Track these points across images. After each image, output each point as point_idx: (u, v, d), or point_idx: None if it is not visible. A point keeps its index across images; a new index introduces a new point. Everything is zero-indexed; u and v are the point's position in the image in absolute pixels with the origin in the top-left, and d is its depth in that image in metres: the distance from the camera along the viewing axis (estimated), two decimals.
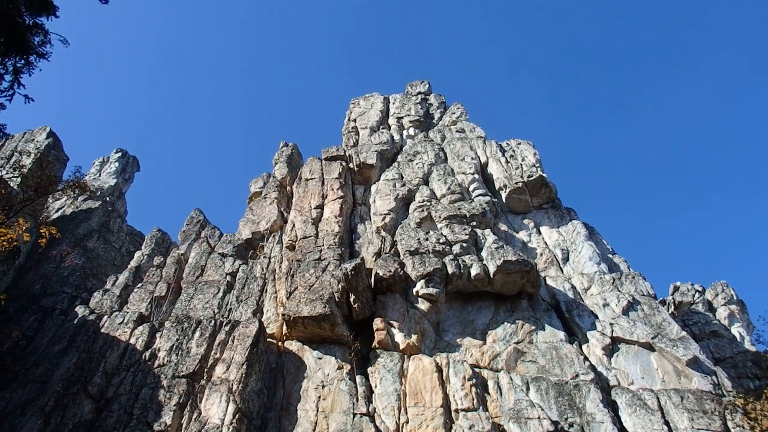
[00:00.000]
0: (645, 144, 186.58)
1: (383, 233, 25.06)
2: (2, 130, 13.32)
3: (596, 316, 21.01)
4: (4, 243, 21.80)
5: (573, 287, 22.69)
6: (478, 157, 29.61)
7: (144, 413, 18.81)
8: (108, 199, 45.19)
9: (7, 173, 33.89)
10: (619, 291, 21.92)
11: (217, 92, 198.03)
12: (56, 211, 40.43)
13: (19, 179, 32.56)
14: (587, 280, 22.93)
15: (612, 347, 19.62)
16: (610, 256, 24.90)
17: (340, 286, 20.74)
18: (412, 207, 26.31)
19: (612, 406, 17.29)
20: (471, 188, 27.21)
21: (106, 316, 24.94)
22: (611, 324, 20.23)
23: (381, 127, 34.46)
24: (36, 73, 13.92)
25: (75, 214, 38.84)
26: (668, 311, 23.41)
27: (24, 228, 24.78)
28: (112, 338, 22.94)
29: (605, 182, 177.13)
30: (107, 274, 32.94)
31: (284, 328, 21.21)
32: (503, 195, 27.19)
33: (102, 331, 23.70)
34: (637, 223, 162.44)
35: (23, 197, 24.54)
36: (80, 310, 26.24)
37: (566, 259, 24.42)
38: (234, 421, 17.27)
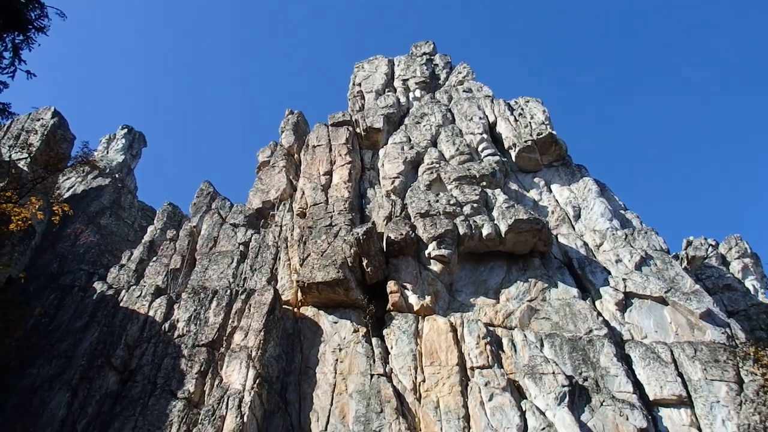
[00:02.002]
0: (654, 101, 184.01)
1: (393, 197, 25.07)
2: (7, 110, 13.33)
3: (609, 272, 21.01)
4: (19, 222, 22.01)
5: (585, 244, 22.67)
6: (486, 116, 29.36)
7: (167, 382, 19.22)
8: (117, 175, 45.41)
9: (16, 153, 34.08)
10: (632, 246, 21.88)
11: (219, 62, 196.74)
12: (67, 190, 40.75)
13: (28, 159, 32.73)
14: (599, 236, 22.88)
15: (625, 302, 19.66)
16: (622, 212, 24.77)
17: (352, 250, 20.86)
18: (421, 169, 26.24)
19: (626, 360, 17.40)
20: (480, 148, 27.06)
21: (123, 291, 25.27)
22: (624, 279, 20.25)
23: (386, 90, 34.17)
24: (36, 52, 13.85)
25: (86, 192, 39.14)
26: (681, 266, 23.40)
27: (37, 207, 24.99)
28: (132, 311, 23.29)
29: (617, 138, 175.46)
30: (122, 249, 33.28)
31: (299, 294, 21.44)
32: (513, 154, 27.02)
33: (121, 305, 24.04)
34: (649, 179, 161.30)
35: (34, 176, 24.66)
36: (98, 286, 26.58)
37: (578, 217, 24.35)
38: (255, 385, 17.62)
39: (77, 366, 21.15)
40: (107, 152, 49.70)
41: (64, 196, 38.82)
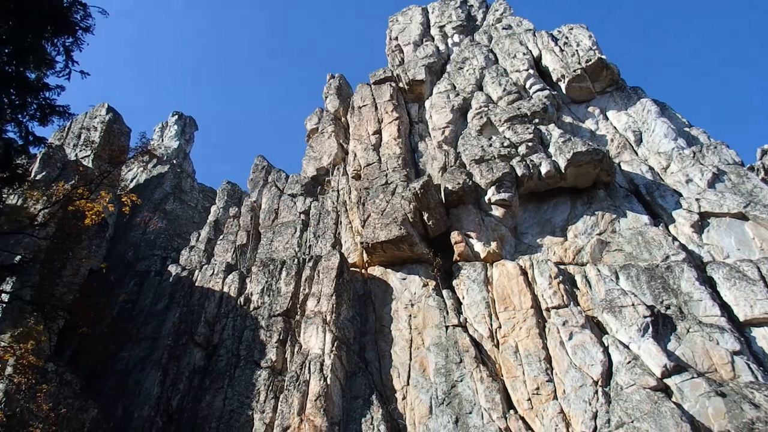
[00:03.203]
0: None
1: (445, 147, 24.67)
2: (67, 111, 13.82)
3: (680, 194, 20.13)
4: (93, 216, 22.99)
5: (651, 168, 21.75)
6: (530, 51, 28.26)
7: (250, 353, 19.92)
8: (175, 161, 46.57)
9: (81, 151, 35.47)
10: (702, 164, 20.85)
11: (256, 36, 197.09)
12: (131, 181, 42.22)
13: (91, 156, 34.02)
14: (665, 158, 21.88)
15: (701, 223, 18.81)
16: (687, 129, 23.53)
17: (411, 206, 20.75)
18: (469, 115, 25.66)
19: (709, 283, 16.71)
20: (527, 85, 26.15)
21: (197, 271, 26.16)
22: (697, 199, 19.36)
23: (424, 40, 33.34)
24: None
25: (148, 181, 40.39)
26: (758, 177, 22.19)
27: (107, 200, 26.12)
28: (207, 290, 24.13)
29: (671, 55, 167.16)
30: (189, 231, 34.37)
31: (364, 255, 21.57)
32: (562, 86, 25.99)
33: (196, 284, 24.93)
34: (713, 91, 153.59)
35: (100, 171, 25.78)
36: (173, 269, 27.65)
37: (639, 141, 23.33)
38: (334, 348, 17.98)
39: (164, 346, 22.24)
40: (162, 140, 50.92)
41: (130, 187, 40.28)
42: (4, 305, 19.69)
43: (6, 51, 12.71)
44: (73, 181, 25.97)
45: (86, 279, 25.64)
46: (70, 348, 23.86)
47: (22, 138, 13.46)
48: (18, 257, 18.46)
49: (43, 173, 29.41)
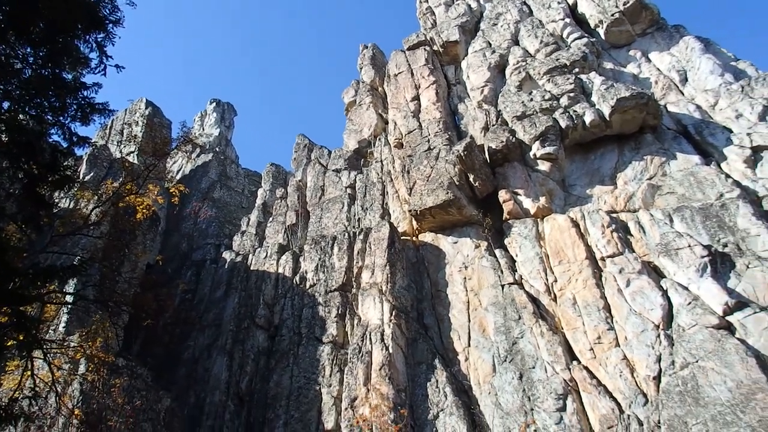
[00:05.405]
0: None
1: (485, 106, 24.49)
2: (107, 108, 13.96)
3: (730, 131, 19.51)
4: (144, 211, 23.66)
5: (698, 107, 21.12)
6: (565, 0, 27.61)
7: (311, 330, 20.44)
8: (217, 149, 47.43)
9: (125, 147, 36.44)
10: (751, 97, 20.10)
11: (285, 13, 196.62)
12: (177, 173, 43.25)
13: (136, 151, 34.90)
14: (712, 95, 21.19)
15: (754, 158, 18.21)
16: (734, 63, 22.64)
17: (456, 169, 20.80)
18: (507, 72, 25.33)
19: (766, 217, 16.29)
20: (565, 34, 25.56)
21: (250, 255, 26.78)
22: (749, 134, 18.73)
23: None
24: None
25: (194, 172, 41.30)
26: None
27: (156, 193, 26.73)
28: (262, 272, 24.74)
29: None
30: (239, 217, 35.15)
31: (414, 223, 21.78)
32: (601, 32, 25.31)
33: (252, 269, 25.55)
34: (760, 21, 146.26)
35: (145, 165, 26.46)
36: (227, 256, 28.32)
37: (685, 80, 22.63)
38: (392, 317, 18.35)
39: (227, 331, 22.97)
40: (203, 129, 51.85)
41: (176, 179, 41.30)
42: (70, 306, 20.29)
43: (40, 54, 12.83)
44: (121, 179, 26.68)
45: (145, 273, 26.38)
46: (137, 342, 24.66)
47: (66, 140, 13.28)
48: (77, 258, 19.00)
49: (91, 174, 30.45)
